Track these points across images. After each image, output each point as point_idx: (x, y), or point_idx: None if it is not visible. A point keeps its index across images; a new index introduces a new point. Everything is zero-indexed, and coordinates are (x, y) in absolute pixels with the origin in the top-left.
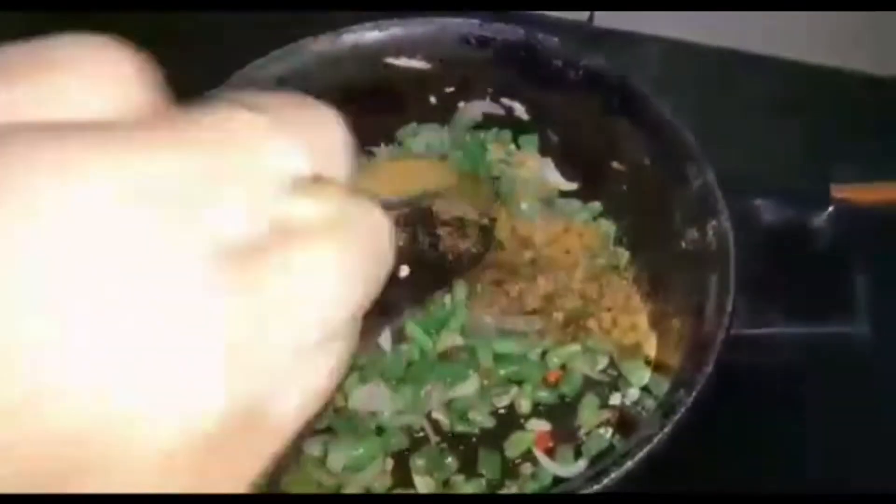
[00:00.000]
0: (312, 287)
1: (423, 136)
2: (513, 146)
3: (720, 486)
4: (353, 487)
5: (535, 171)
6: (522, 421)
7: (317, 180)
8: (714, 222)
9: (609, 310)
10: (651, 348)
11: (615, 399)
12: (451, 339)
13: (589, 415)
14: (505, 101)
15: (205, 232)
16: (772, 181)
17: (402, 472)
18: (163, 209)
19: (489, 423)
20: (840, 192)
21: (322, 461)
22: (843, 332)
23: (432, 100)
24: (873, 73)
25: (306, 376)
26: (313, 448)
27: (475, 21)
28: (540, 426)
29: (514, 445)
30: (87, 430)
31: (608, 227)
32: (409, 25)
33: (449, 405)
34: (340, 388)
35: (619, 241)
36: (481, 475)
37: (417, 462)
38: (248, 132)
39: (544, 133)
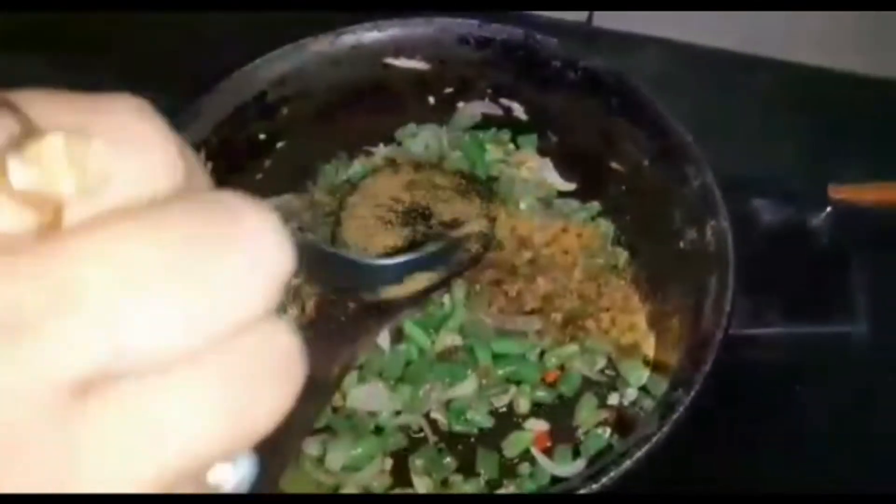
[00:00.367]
0: (160, 429)
1: (421, 137)
2: (511, 146)
3: (718, 485)
4: (351, 487)
5: (534, 171)
6: (521, 421)
7: None
8: (713, 222)
9: (607, 310)
10: (649, 348)
11: (613, 399)
12: (449, 338)
13: (587, 414)
14: (503, 101)
15: (43, 362)
16: (770, 182)
17: (400, 471)
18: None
19: (487, 422)
20: (838, 192)
21: (321, 460)
22: (840, 331)
23: (431, 100)
24: (871, 74)
25: None
26: (312, 447)
27: (474, 22)
28: (538, 426)
29: (513, 445)
30: None
31: (607, 227)
32: (408, 26)
33: (447, 405)
34: (339, 387)
35: (617, 241)
36: (479, 475)
37: (416, 462)
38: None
39: (543, 133)
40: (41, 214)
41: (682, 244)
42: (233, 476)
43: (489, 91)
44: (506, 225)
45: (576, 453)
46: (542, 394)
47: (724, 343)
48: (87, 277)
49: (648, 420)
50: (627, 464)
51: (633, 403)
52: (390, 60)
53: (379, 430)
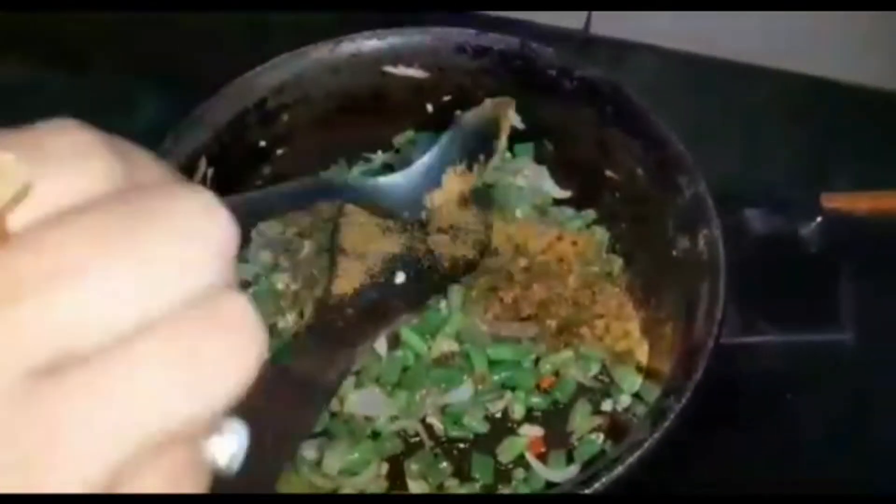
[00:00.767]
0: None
1: (420, 144)
2: (508, 154)
3: (709, 491)
4: (348, 490)
5: (530, 179)
6: (515, 426)
7: None
8: (705, 231)
9: (602, 317)
10: (643, 355)
11: (607, 405)
12: (446, 344)
13: (581, 420)
14: None
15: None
16: (763, 191)
17: (396, 476)
18: None
19: (483, 428)
20: (830, 200)
21: (318, 464)
22: (831, 340)
23: (429, 107)
24: (865, 83)
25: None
26: (309, 451)
27: (471, 31)
28: (533, 431)
29: (508, 450)
30: None
31: (602, 234)
32: (406, 35)
33: (443, 410)
34: (337, 392)
35: (612, 249)
36: (475, 479)
37: (412, 466)
38: None
39: (539, 142)
40: None
41: (675, 252)
42: (225, 448)
43: (486, 99)
44: (502, 232)
45: (569, 459)
46: (536, 400)
47: (716, 351)
48: (31, 268)
49: (641, 426)
50: (619, 469)
51: (627, 410)
52: (389, 68)
53: (376, 435)
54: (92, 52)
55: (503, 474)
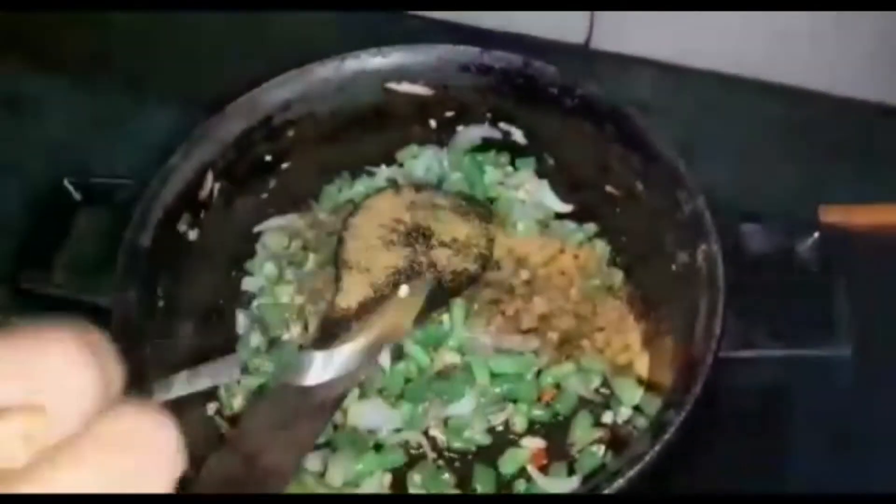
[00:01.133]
0: None
1: (422, 158)
2: (510, 168)
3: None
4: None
5: (532, 193)
6: (517, 438)
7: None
8: (704, 247)
9: (602, 329)
10: (643, 367)
11: (607, 417)
12: (448, 357)
13: (582, 433)
14: (503, 125)
15: None
16: (762, 205)
17: (399, 487)
18: None
19: (485, 440)
20: (829, 213)
21: (321, 476)
22: (828, 355)
23: (432, 123)
24: (867, 98)
25: None
26: (313, 463)
27: (475, 49)
28: (534, 443)
29: (509, 462)
30: None
31: (602, 248)
32: (411, 53)
33: (446, 422)
34: (340, 405)
35: (613, 262)
36: (476, 491)
37: (414, 478)
38: None
39: (541, 156)
40: None
41: (674, 267)
42: None
43: (489, 115)
44: (504, 245)
45: (571, 471)
46: (538, 412)
47: (715, 365)
48: None
49: (641, 439)
50: (620, 482)
51: (627, 422)
52: (393, 85)
53: (378, 447)
54: (94, 67)
55: (505, 486)
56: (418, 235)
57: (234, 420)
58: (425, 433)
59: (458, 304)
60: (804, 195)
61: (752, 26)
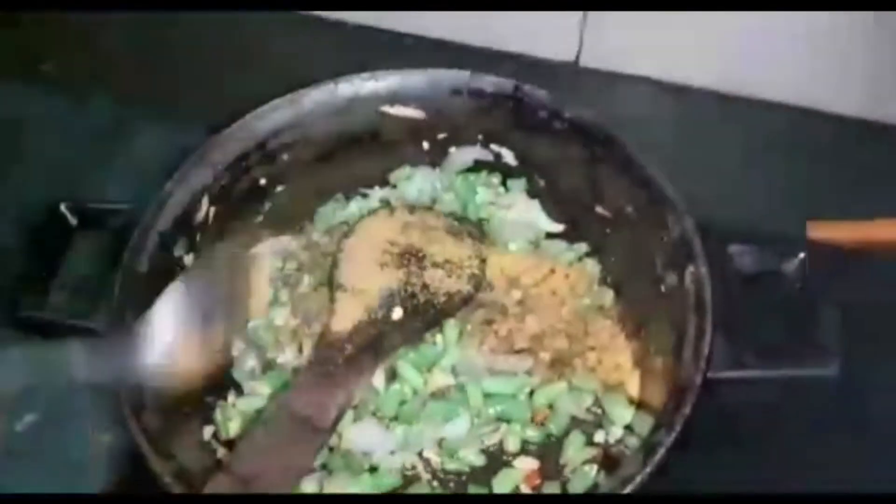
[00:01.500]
0: None
1: (415, 180)
2: (501, 189)
3: None
4: None
5: (523, 213)
6: (511, 458)
7: None
8: (692, 269)
9: (594, 349)
10: (634, 387)
11: (599, 437)
12: (442, 378)
13: (574, 452)
14: (494, 147)
15: None
16: (750, 222)
17: None
18: None
19: (479, 460)
20: (816, 228)
21: None
22: (816, 374)
23: (425, 145)
24: (854, 115)
25: None
26: (308, 485)
27: (466, 73)
28: (527, 463)
29: (503, 483)
30: None
31: (593, 267)
32: (404, 77)
33: (440, 443)
34: (336, 428)
35: (604, 281)
36: None
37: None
38: None
39: (531, 177)
40: None
41: (663, 288)
42: None
43: (480, 137)
44: (496, 265)
45: (563, 491)
46: (531, 433)
47: (704, 386)
48: None
49: (633, 460)
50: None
51: (619, 441)
52: (386, 109)
53: (374, 469)
54: (89, 90)
55: None
56: (412, 257)
57: (230, 444)
58: (420, 454)
59: (451, 325)
60: (790, 214)
61: (740, 44)
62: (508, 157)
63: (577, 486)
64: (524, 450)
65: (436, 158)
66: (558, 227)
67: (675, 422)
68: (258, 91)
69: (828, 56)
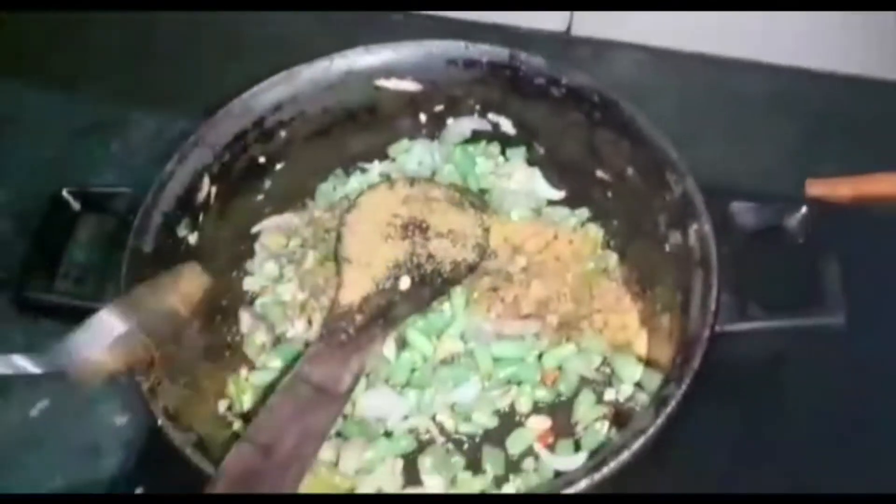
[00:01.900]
0: None
1: (414, 152)
2: (501, 159)
3: (711, 475)
4: (365, 488)
5: (524, 181)
6: (523, 419)
7: None
8: (695, 226)
9: (600, 311)
10: (642, 346)
11: (609, 395)
12: (451, 344)
13: (585, 411)
14: (492, 116)
15: None
16: (751, 182)
17: (411, 471)
18: None
19: (492, 422)
20: (815, 186)
21: (335, 465)
22: (820, 323)
23: (422, 117)
24: (850, 73)
25: None
26: (326, 453)
27: (461, 44)
28: (540, 423)
29: (517, 442)
30: None
31: (596, 231)
32: (398, 49)
33: (452, 407)
34: (350, 397)
35: (607, 245)
36: (486, 472)
37: (426, 462)
38: None
39: (530, 146)
40: None
41: (667, 247)
42: None
43: (477, 107)
44: (499, 234)
45: (577, 447)
46: (542, 393)
47: (712, 339)
48: None
49: (643, 414)
50: (626, 455)
51: (629, 398)
52: (382, 82)
53: (389, 434)
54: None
55: (514, 465)
56: (415, 228)
57: (245, 417)
58: (433, 419)
59: (458, 293)
60: (790, 171)
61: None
62: (506, 125)
63: (590, 442)
64: (536, 410)
65: (434, 130)
66: (559, 194)
67: (684, 375)
68: (254, 73)
69: (825, 15)
